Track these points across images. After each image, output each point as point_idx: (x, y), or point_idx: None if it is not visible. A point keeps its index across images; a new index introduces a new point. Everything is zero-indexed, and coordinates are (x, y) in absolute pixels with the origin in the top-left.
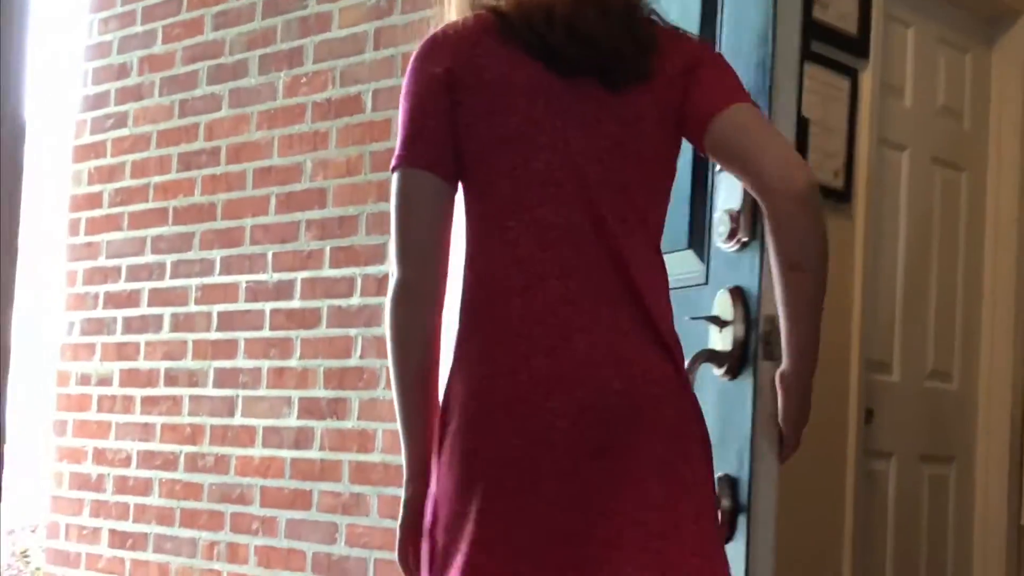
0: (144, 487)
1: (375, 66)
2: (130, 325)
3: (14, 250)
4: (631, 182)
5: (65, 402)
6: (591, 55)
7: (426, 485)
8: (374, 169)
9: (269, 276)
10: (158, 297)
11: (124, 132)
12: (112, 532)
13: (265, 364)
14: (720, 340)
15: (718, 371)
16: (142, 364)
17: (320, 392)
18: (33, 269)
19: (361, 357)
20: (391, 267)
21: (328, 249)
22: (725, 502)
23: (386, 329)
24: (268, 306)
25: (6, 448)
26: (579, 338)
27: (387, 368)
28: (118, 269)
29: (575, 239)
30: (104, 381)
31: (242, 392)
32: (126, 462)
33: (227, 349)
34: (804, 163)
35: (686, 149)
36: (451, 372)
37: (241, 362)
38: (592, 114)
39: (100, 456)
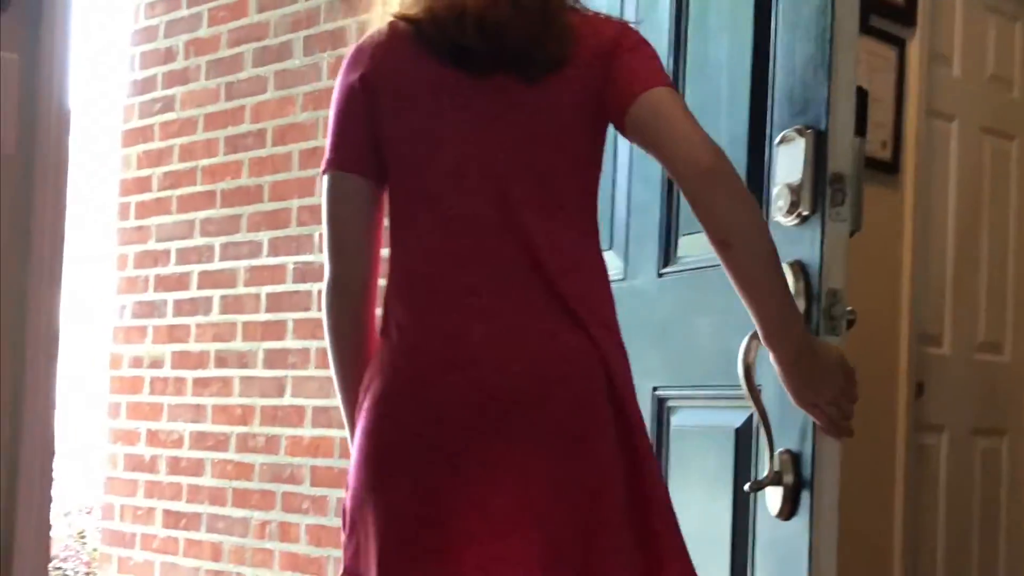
0: (196, 468)
1: None
2: (180, 308)
3: (60, 235)
4: (547, 170)
5: (118, 384)
6: (502, 49)
7: None
8: None
9: (316, 256)
10: (207, 279)
11: (171, 116)
12: (166, 512)
13: (313, 344)
14: None
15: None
16: (193, 346)
17: None
18: (85, 254)
19: None
20: (325, 264)
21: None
22: (788, 478)
23: (323, 323)
24: (315, 287)
25: (59, 431)
26: (479, 325)
27: None
28: (168, 252)
29: (481, 229)
30: (156, 363)
31: (291, 372)
32: (179, 443)
33: (276, 330)
34: (710, 144)
35: (740, 127)
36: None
37: (290, 343)
38: (504, 107)
39: (153, 438)
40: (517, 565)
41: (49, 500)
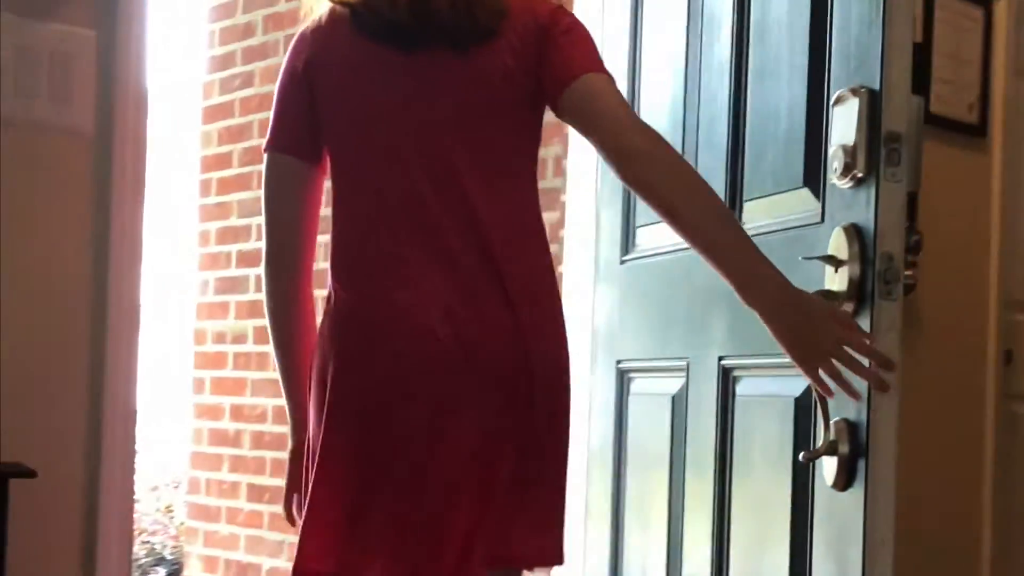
0: (279, 442)
1: None
2: (261, 283)
3: (139, 212)
4: (485, 139)
5: (202, 360)
6: (433, 24)
7: (305, 435)
8: None
9: None
10: None
11: (250, 92)
12: (250, 486)
13: None
14: (836, 280)
15: None
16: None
17: None
18: (169, 230)
19: None
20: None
21: None
22: (843, 448)
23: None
24: None
25: (145, 405)
26: (405, 293)
27: None
28: (248, 228)
29: (416, 201)
30: (239, 338)
31: None
32: (262, 418)
33: None
34: (644, 127)
35: (799, 89)
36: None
37: None
38: (437, 81)
39: (237, 412)
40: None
41: (132, 472)
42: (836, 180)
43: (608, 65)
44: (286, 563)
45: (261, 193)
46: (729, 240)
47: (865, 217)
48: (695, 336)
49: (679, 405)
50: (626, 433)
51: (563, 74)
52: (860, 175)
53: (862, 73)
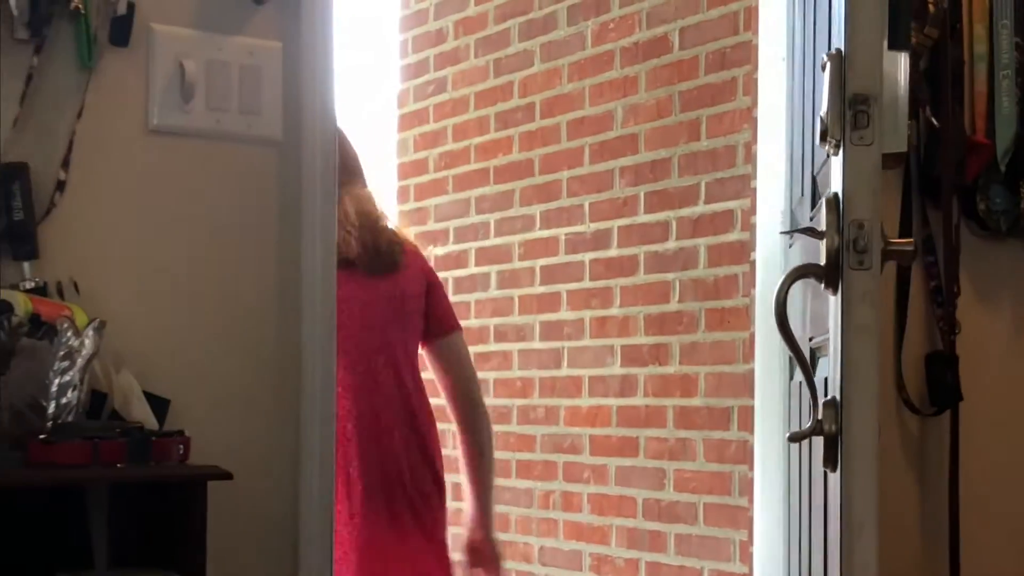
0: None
1: (680, 3)
2: (460, 285)
3: (331, 220)
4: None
5: None
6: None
7: None
8: (683, 109)
9: (587, 227)
10: (484, 256)
11: (444, 97)
12: (454, 485)
13: (587, 314)
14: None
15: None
16: (473, 322)
17: (641, 339)
18: None
19: (679, 301)
20: None
21: (642, 194)
22: (829, 427)
23: None
24: (587, 256)
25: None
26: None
27: (705, 310)
28: (446, 232)
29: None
30: None
31: (567, 344)
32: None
33: (551, 302)
34: (479, 385)
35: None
36: None
37: (564, 314)
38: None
39: (439, 413)
40: None
41: (331, 472)
42: (824, 148)
43: None
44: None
45: None
46: (491, 478)
47: (840, 184)
48: None
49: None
50: None
51: (442, 326)
52: (835, 141)
53: (839, 35)
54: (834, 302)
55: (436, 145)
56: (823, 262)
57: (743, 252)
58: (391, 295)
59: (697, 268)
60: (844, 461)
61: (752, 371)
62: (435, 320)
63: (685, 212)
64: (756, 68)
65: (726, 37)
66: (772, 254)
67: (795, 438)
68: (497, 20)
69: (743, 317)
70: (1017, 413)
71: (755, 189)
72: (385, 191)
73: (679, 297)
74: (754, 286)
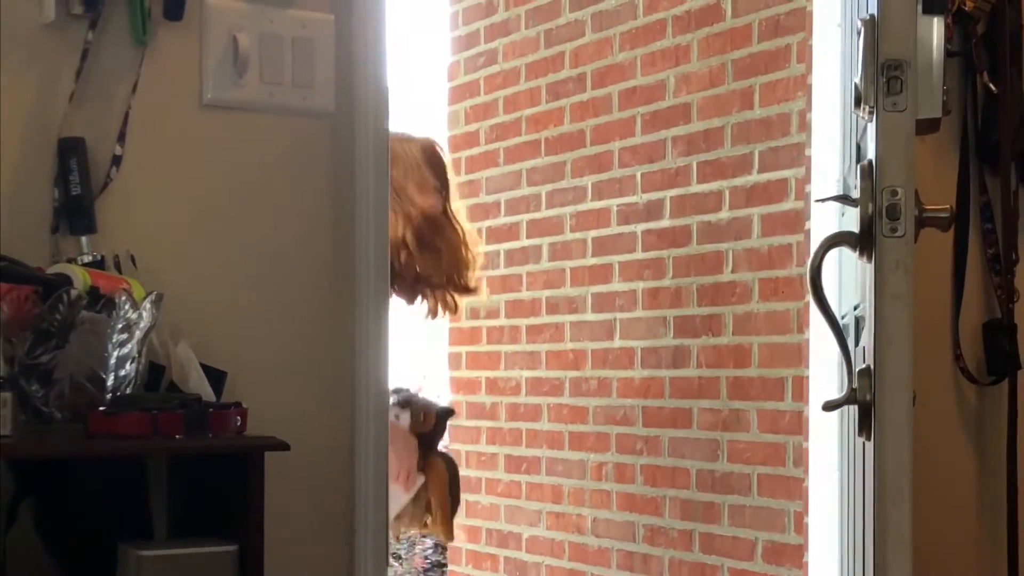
0: (534, 413)
1: None
2: (512, 258)
3: (384, 191)
4: None
5: (457, 336)
6: None
7: None
8: (736, 78)
9: (639, 197)
10: (536, 228)
11: (495, 69)
12: (507, 458)
13: (640, 285)
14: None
15: (854, 253)
16: (525, 295)
17: (694, 310)
18: None
19: (733, 271)
20: None
21: (695, 164)
22: (864, 396)
23: None
24: (639, 227)
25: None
26: None
27: (759, 280)
28: (498, 204)
29: None
30: (492, 314)
31: (619, 315)
32: (516, 390)
33: (603, 274)
34: None
35: None
36: None
37: (616, 285)
38: None
39: (492, 386)
40: None
41: (385, 445)
42: (858, 114)
43: None
44: (545, 532)
45: None
46: None
47: (874, 151)
48: None
49: None
50: None
51: None
52: (869, 107)
53: (874, 0)
54: (868, 270)
55: (487, 117)
56: (858, 230)
57: (797, 221)
58: None
59: (750, 238)
60: (877, 430)
61: (807, 341)
62: None
63: (738, 182)
64: (811, 35)
65: (779, 4)
66: (827, 224)
67: (829, 407)
68: None
69: (797, 287)
70: None
71: (810, 157)
72: None
73: (732, 267)
74: (808, 255)
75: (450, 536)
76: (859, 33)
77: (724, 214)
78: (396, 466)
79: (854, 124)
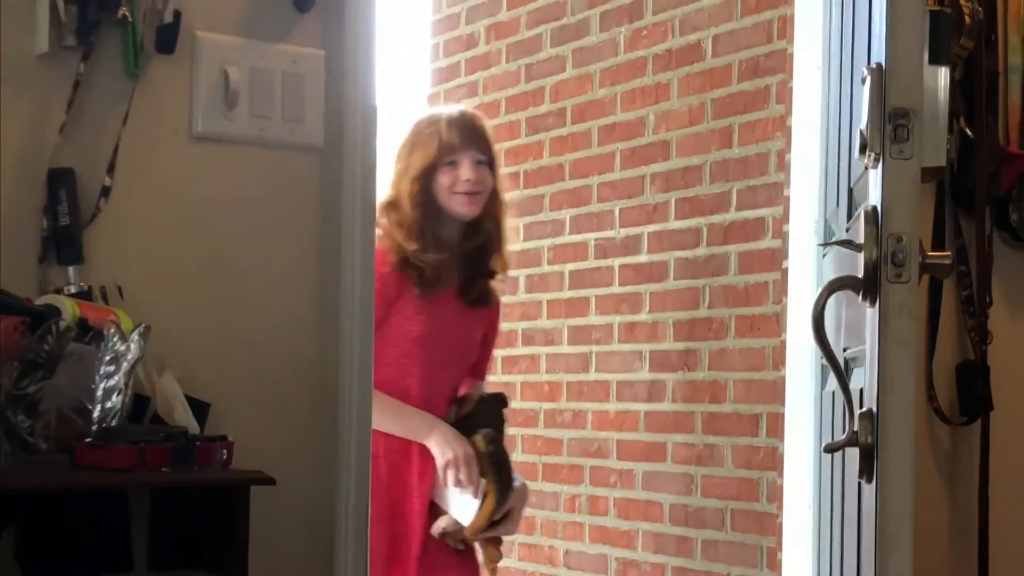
0: (508, 444)
1: (714, 11)
2: None
3: (370, 224)
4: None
5: None
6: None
7: None
8: (716, 116)
9: (616, 232)
10: (514, 260)
11: (475, 101)
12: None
13: (616, 319)
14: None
15: (858, 297)
16: (502, 325)
17: (670, 344)
18: None
19: (709, 307)
20: None
21: (673, 201)
22: (865, 438)
23: None
24: (617, 262)
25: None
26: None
27: (735, 317)
28: None
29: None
30: None
31: (595, 348)
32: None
33: (579, 306)
34: None
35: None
36: None
37: (593, 319)
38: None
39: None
40: None
41: (367, 476)
42: (862, 161)
43: None
44: (517, 563)
45: None
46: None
47: (878, 197)
48: None
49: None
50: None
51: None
52: (874, 155)
53: (880, 49)
54: (871, 314)
55: None
56: (861, 274)
57: (774, 260)
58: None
59: (727, 275)
60: (880, 473)
61: (782, 378)
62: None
63: (716, 219)
64: (790, 76)
65: (759, 45)
66: (804, 263)
67: (831, 449)
68: (529, 25)
69: (773, 324)
70: None
71: (788, 197)
72: None
73: (709, 303)
74: (785, 294)
75: (474, 533)
76: (863, 81)
77: (701, 251)
78: (461, 476)
79: (836, 167)
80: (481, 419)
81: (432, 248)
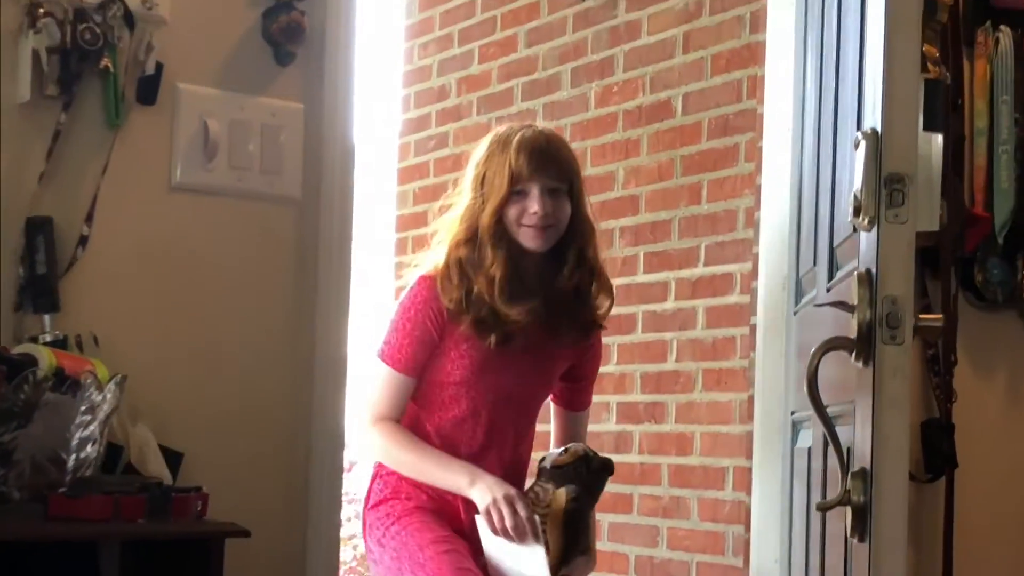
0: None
1: (684, 70)
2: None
3: (346, 274)
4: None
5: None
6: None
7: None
8: (685, 173)
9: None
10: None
11: (445, 152)
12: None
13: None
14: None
15: (851, 358)
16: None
17: (637, 396)
18: (365, 286)
19: (677, 360)
20: None
21: (642, 255)
22: (858, 498)
23: None
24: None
25: (345, 452)
26: None
27: (703, 370)
28: None
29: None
30: None
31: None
32: None
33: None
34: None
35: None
36: None
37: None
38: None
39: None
40: None
41: (337, 527)
42: (857, 225)
43: None
44: None
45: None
46: (397, 465)
47: (873, 260)
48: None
49: (812, 458)
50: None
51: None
52: (870, 217)
53: (874, 115)
54: (864, 374)
55: (436, 199)
56: (854, 335)
57: (742, 315)
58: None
59: (695, 329)
60: (874, 533)
61: (749, 432)
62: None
63: (684, 273)
64: (760, 135)
65: (729, 104)
66: (773, 319)
67: (823, 508)
68: (500, 79)
69: (740, 379)
70: (1011, 481)
71: (757, 255)
72: (384, 242)
73: (676, 357)
74: (753, 349)
75: None
76: (856, 145)
77: (669, 304)
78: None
79: (811, 227)
80: (578, 478)
81: (520, 297)
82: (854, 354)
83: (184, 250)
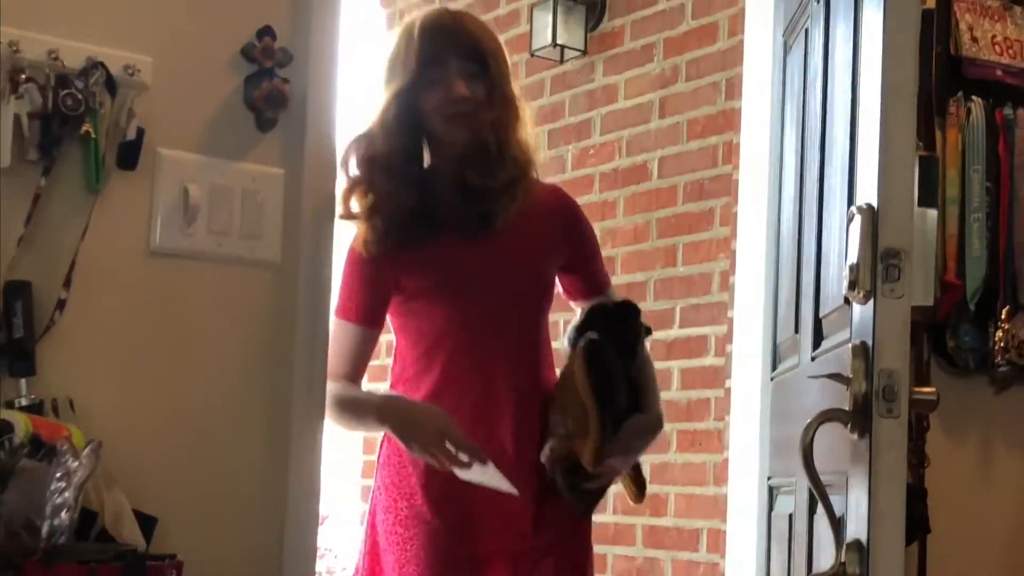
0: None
1: (661, 134)
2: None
3: (323, 339)
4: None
5: (371, 470)
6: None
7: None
8: (661, 236)
9: (561, 344)
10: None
11: None
12: None
13: None
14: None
15: (846, 430)
16: None
17: None
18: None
19: None
20: None
21: None
22: (853, 569)
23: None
24: None
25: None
26: None
27: (677, 432)
28: None
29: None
30: None
31: None
32: None
33: None
34: None
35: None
36: None
37: None
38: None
39: None
40: None
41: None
42: (852, 298)
43: None
44: None
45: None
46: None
47: (869, 333)
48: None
49: (795, 525)
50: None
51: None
52: (866, 290)
53: (870, 190)
54: (861, 446)
55: None
56: (848, 407)
57: (717, 377)
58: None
59: (670, 390)
60: None
61: (723, 495)
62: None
63: (660, 335)
64: (735, 201)
65: (705, 169)
66: (748, 382)
67: None
68: None
69: (715, 440)
70: (983, 546)
71: (732, 319)
72: None
73: None
74: (728, 411)
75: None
76: (850, 219)
77: None
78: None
79: (793, 295)
80: (595, 326)
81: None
82: (849, 426)
83: (162, 314)
